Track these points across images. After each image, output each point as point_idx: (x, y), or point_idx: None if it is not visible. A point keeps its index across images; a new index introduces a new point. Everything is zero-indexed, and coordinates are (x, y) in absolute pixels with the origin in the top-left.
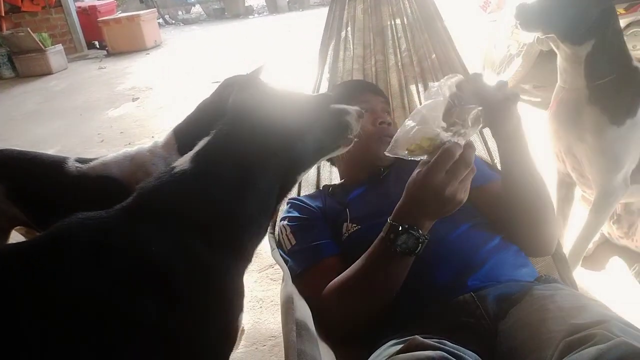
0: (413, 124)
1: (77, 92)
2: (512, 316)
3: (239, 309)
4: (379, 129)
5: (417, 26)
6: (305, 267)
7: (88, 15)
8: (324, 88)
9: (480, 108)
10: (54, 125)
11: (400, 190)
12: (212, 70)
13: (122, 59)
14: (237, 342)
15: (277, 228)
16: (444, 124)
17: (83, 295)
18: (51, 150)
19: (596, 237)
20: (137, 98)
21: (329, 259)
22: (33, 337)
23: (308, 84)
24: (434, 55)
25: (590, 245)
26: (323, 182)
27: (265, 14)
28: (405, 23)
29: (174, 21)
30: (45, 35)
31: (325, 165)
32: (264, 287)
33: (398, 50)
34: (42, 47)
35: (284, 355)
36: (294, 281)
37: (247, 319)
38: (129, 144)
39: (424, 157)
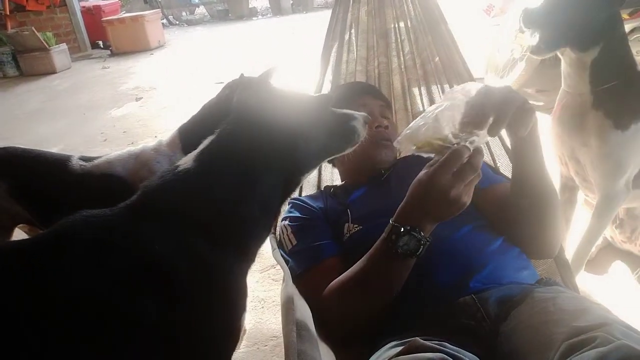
0: (427, 121)
1: (81, 91)
2: (513, 318)
3: (242, 308)
4: (376, 132)
5: (420, 29)
6: (305, 268)
7: (92, 15)
8: (326, 90)
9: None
10: (57, 124)
11: (402, 191)
12: (215, 71)
13: (125, 59)
14: (239, 342)
15: (278, 228)
16: (457, 127)
17: (86, 294)
18: (54, 149)
19: (599, 241)
20: (141, 98)
21: (329, 260)
22: (34, 336)
23: (311, 86)
24: (437, 58)
25: (593, 249)
26: (325, 183)
27: (269, 15)
28: (409, 26)
29: (177, 22)
30: (49, 34)
31: (326, 166)
32: (266, 287)
33: (401, 52)
34: (46, 46)
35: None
36: (294, 281)
37: (249, 319)
38: (132, 143)
39: (431, 155)
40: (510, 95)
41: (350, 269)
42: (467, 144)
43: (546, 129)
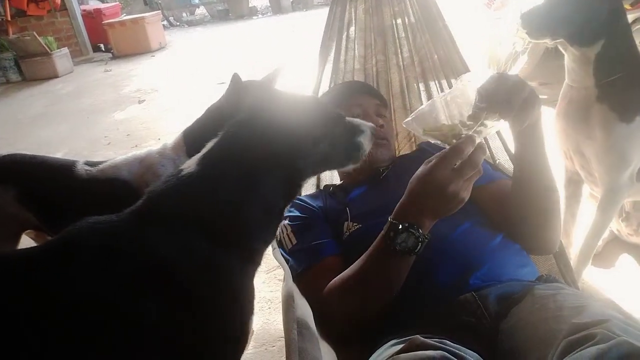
0: (437, 106)
1: (83, 95)
2: (513, 315)
3: (250, 311)
4: None
5: (418, 26)
6: (306, 267)
7: (93, 18)
8: (324, 88)
9: (499, 114)
10: (61, 128)
11: (401, 189)
12: (216, 71)
13: (127, 61)
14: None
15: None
16: (465, 115)
17: (94, 300)
18: (58, 153)
19: (605, 235)
20: (143, 100)
21: (329, 259)
22: (43, 342)
23: (310, 84)
24: (435, 56)
25: (600, 243)
26: (324, 182)
27: (269, 14)
28: (407, 23)
29: (178, 23)
30: (51, 38)
31: None
32: (272, 287)
33: (399, 50)
34: (48, 50)
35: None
36: (294, 280)
37: (256, 320)
38: (136, 146)
39: (437, 141)
40: (521, 84)
41: (350, 268)
42: (474, 132)
43: (550, 123)
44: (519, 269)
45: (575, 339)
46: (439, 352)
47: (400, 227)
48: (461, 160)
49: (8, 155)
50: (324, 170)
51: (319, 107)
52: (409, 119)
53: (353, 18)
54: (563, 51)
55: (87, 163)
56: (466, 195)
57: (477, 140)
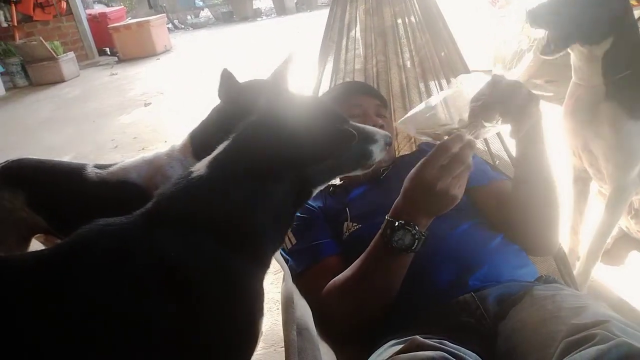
0: (432, 106)
1: (90, 98)
2: (512, 316)
3: (260, 313)
4: None
5: (419, 27)
6: (305, 267)
7: (98, 22)
8: (325, 88)
9: (497, 116)
10: (68, 132)
11: (400, 189)
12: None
13: (133, 64)
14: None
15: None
16: (462, 117)
17: (103, 302)
18: (66, 157)
19: (614, 232)
20: (149, 103)
21: (329, 259)
22: (52, 345)
23: (311, 85)
24: (435, 56)
25: (609, 240)
26: None
27: (273, 15)
28: (407, 23)
29: (183, 26)
30: (57, 43)
31: None
32: (280, 289)
33: (399, 51)
34: (54, 55)
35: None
36: (294, 280)
37: (265, 321)
38: (143, 149)
39: (429, 139)
40: (516, 87)
41: (349, 267)
42: (471, 135)
43: (556, 121)
44: (518, 270)
45: (575, 340)
46: (439, 352)
47: (397, 224)
48: (449, 157)
49: (17, 160)
50: (334, 178)
51: (335, 115)
52: (403, 119)
53: (354, 19)
54: (570, 50)
55: (97, 166)
56: (458, 192)
57: (477, 142)
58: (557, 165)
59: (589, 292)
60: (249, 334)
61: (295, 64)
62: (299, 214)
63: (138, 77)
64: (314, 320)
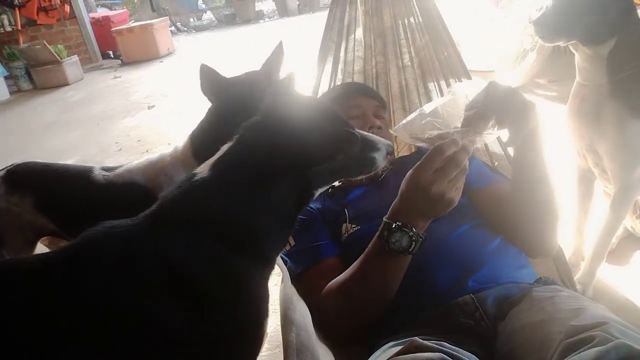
0: (427, 113)
1: (94, 102)
2: (511, 318)
3: (265, 314)
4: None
5: (418, 28)
6: (304, 268)
7: (102, 25)
8: (324, 89)
9: (493, 121)
10: (72, 136)
11: (399, 191)
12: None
13: (136, 67)
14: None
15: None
16: (457, 124)
17: (109, 304)
18: (70, 160)
19: (619, 232)
20: (153, 106)
21: (328, 260)
22: (56, 347)
23: (311, 85)
24: (435, 58)
25: (614, 240)
26: None
27: (275, 17)
28: (407, 25)
29: (185, 28)
30: (60, 47)
31: None
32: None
33: (399, 52)
34: (58, 58)
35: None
36: (293, 282)
37: (270, 322)
38: (147, 151)
39: (424, 145)
40: (511, 94)
41: (348, 269)
42: (467, 142)
43: (560, 120)
44: (517, 271)
45: (574, 342)
46: (438, 354)
47: (394, 226)
48: (444, 161)
49: (23, 163)
50: (336, 181)
51: (339, 119)
52: (397, 126)
53: (353, 20)
54: (574, 51)
55: (104, 168)
56: (454, 195)
57: (473, 147)
58: (561, 166)
59: (594, 292)
60: (254, 335)
61: (284, 54)
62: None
63: (141, 80)
64: (312, 322)
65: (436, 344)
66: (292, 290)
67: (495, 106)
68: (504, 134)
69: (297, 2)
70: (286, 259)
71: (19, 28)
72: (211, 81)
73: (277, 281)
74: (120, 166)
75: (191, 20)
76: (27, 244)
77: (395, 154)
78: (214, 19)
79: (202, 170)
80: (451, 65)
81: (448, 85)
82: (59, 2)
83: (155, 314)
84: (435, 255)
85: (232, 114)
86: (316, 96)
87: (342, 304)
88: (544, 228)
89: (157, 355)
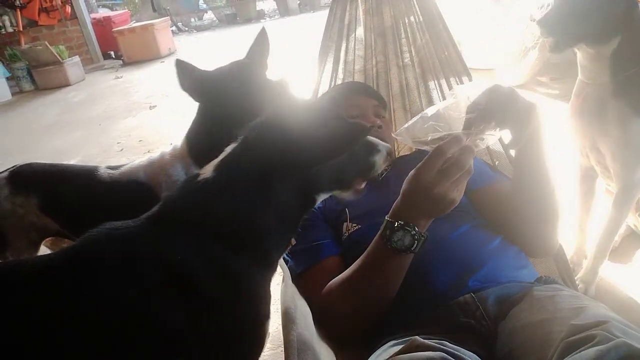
0: (429, 117)
1: (96, 102)
2: (512, 317)
3: (266, 315)
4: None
5: (419, 27)
6: (305, 267)
7: (103, 26)
8: (324, 89)
9: (494, 124)
10: (74, 136)
11: (400, 190)
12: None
13: (137, 67)
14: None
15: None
16: (459, 127)
17: (110, 306)
18: (72, 160)
19: (622, 230)
20: (154, 106)
21: (329, 259)
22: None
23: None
24: (435, 57)
25: (617, 238)
26: None
27: (276, 17)
28: (407, 24)
29: (186, 28)
30: (62, 47)
31: None
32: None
33: (399, 51)
34: (60, 59)
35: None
36: (294, 281)
37: (272, 322)
38: (149, 151)
39: (427, 148)
40: (513, 96)
41: (349, 268)
42: (470, 143)
43: (562, 119)
44: (518, 271)
45: (574, 341)
46: (438, 353)
47: (396, 225)
48: (446, 160)
49: (27, 164)
50: (338, 187)
51: (340, 123)
52: (400, 130)
53: (354, 19)
54: (577, 50)
55: (109, 167)
56: (456, 195)
57: (474, 148)
58: (564, 164)
59: (596, 291)
60: (256, 337)
61: (268, 41)
62: None
63: (143, 80)
64: (313, 321)
65: (437, 343)
66: (293, 290)
67: (498, 108)
68: (505, 135)
69: (298, 2)
70: (287, 258)
71: (21, 29)
72: (190, 77)
73: (279, 281)
74: (125, 164)
75: (192, 20)
76: (31, 245)
77: (396, 154)
78: (215, 18)
79: (206, 171)
80: (452, 64)
81: (448, 84)
82: (60, 2)
83: (156, 315)
84: (436, 255)
85: (219, 108)
86: (317, 95)
87: (343, 303)
88: (545, 228)
89: (157, 355)
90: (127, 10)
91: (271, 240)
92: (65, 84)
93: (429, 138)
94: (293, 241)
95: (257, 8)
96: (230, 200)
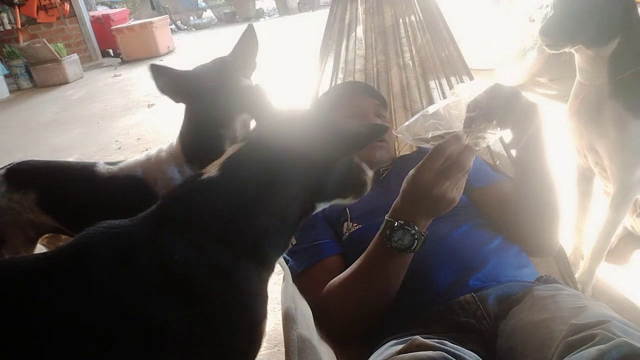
0: (429, 115)
1: (94, 100)
2: (512, 316)
3: (263, 315)
4: None
5: (419, 27)
6: (306, 267)
7: (102, 24)
8: (325, 88)
9: (495, 123)
10: (72, 134)
11: (400, 189)
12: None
13: (136, 66)
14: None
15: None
16: (460, 126)
17: (106, 305)
18: (70, 158)
19: (619, 231)
20: (153, 104)
21: (329, 259)
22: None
23: (312, 85)
24: (436, 56)
25: (613, 239)
26: None
27: (275, 16)
28: (408, 23)
29: (185, 27)
30: (60, 45)
31: None
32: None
33: (400, 50)
34: (58, 57)
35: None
36: (294, 281)
37: (269, 321)
38: (147, 149)
39: (427, 146)
40: (514, 95)
41: (349, 268)
42: (470, 142)
43: (561, 119)
44: (519, 270)
45: (575, 340)
46: (439, 352)
47: (396, 224)
48: (445, 159)
49: (24, 161)
50: (336, 197)
51: (337, 130)
52: (400, 127)
53: (354, 19)
54: (575, 52)
55: (108, 163)
56: (456, 195)
57: (475, 147)
58: (561, 164)
59: (593, 291)
60: (252, 337)
61: (256, 37)
62: None
63: (141, 78)
64: (314, 320)
65: (437, 342)
66: (294, 289)
67: (499, 107)
68: (506, 134)
69: (297, 1)
70: (288, 257)
71: (19, 26)
72: (166, 79)
73: (277, 280)
74: (124, 160)
75: (191, 18)
76: (28, 243)
77: (397, 153)
78: (214, 17)
79: (209, 171)
80: (452, 64)
81: (449, 83)
82: (58, 0)
83: (152, 315)
84: (436, 255)
85: (199, 107)
86: (317, 95)
87: (343, 303)
88: (546, 227)
89: (154, 355)
90: (126, 8)
91: (270, 242)
92: (64, 82)
93: (430, 135)
94: (293, 241)
95: (256, 7)
96: (234, 200)
